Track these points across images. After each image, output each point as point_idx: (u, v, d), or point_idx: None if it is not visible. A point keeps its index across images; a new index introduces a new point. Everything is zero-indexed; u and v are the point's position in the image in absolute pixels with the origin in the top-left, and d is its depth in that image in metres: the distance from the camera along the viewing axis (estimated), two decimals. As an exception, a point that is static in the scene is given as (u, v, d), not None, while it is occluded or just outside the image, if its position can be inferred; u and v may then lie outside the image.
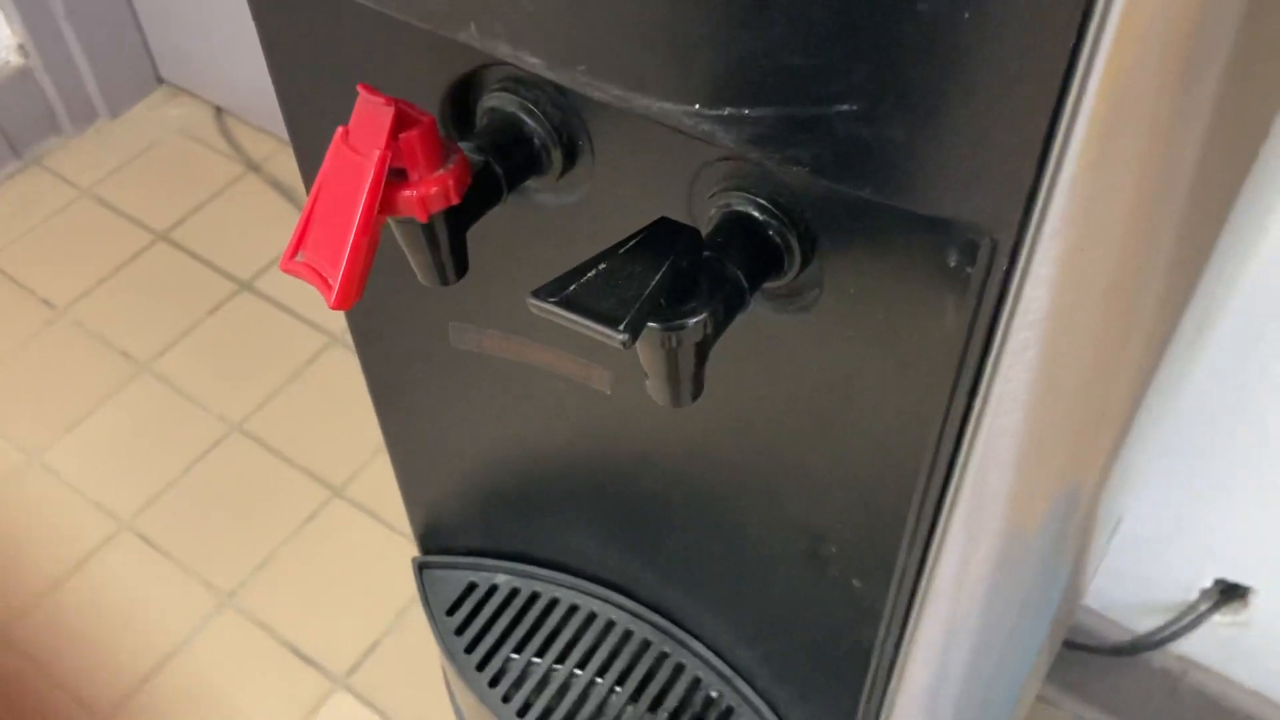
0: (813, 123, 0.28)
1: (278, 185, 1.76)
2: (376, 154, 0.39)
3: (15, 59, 1.76)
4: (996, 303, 0.35)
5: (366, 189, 0.39)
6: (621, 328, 0.33)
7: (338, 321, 1.55)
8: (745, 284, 0.41)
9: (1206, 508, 0.99)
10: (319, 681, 1.25)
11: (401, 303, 0.51)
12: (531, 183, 0.46)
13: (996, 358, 0.37)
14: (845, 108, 0.27)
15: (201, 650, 1.28)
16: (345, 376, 1.53)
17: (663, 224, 0.38)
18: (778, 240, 0.41)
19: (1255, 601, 1.02)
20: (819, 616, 0.56)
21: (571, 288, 0.35)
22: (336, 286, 0.40)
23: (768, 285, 0.43)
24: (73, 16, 1.73)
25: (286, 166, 1.80)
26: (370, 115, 0.39)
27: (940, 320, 0.35)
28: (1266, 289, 0.80)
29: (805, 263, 0.42)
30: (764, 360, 0.45)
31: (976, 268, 0.32)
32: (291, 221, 1.70)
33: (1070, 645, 1.13)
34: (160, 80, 1.92)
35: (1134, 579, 1.10)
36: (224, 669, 1.26)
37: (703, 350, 0.39)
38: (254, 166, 1.80)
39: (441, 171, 0.41)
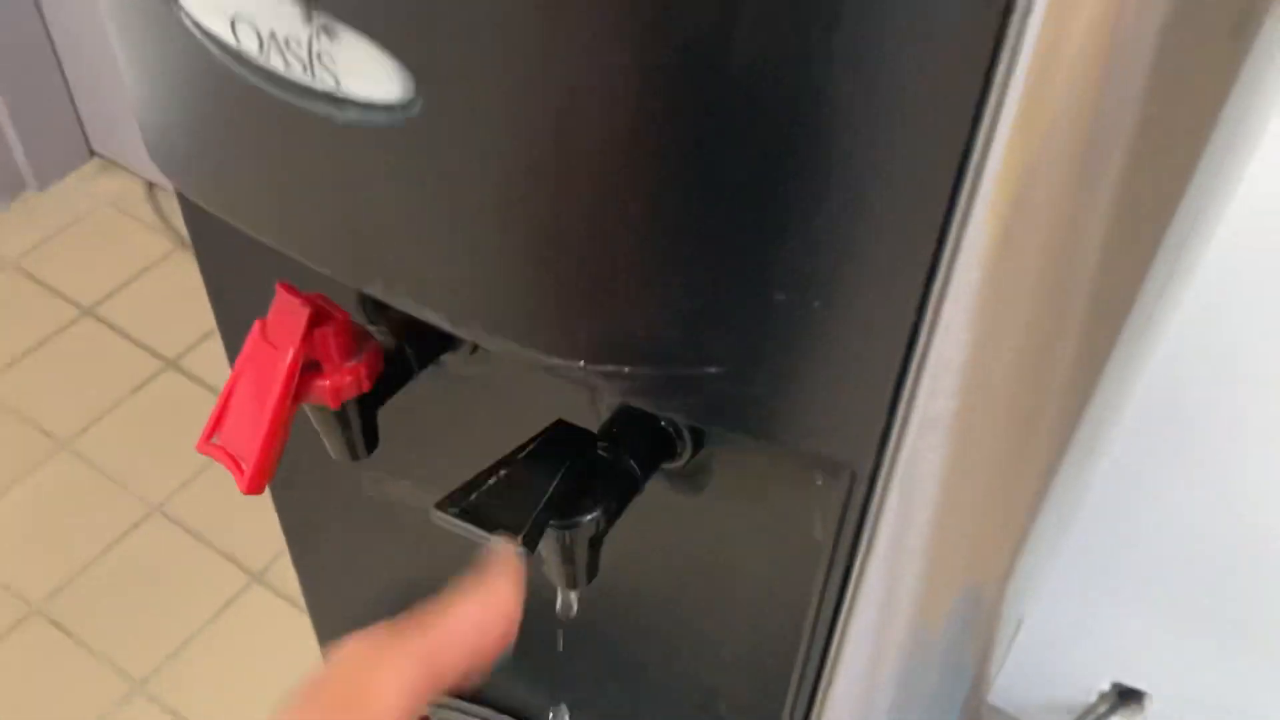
0: (685, 381, 0.31)
1: (208, 262, 1.76)
2: (291, 352, 0.41)
3: (-56, 129, 1.75)
4: (861, 512, 0.38)
5: (279, 386, 0.41)
6: (520, 540, 0.36)
7: (263, 404, 1.55)
8: (638, 473, 0.43)
9: (1103, 612, 1.03)
10: (230, 775, 1.24)
11: (316, 452, 0.53)
12: (445, 356, 0.49)
13: (864, 558, 0.40)
14: (713, 370, 0.30)
15: (110, 740, 1.26)
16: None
17: (559, 427, 0.40)
18: (670, 429, 0.44)
19: (1150, 706, 1.05)
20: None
21: (473, 496, 0.37)
22: (248, 474, 0.42)
23: (665, 465, 0.46)
24: (4, 87, 1.73)
25: (217, 243, 1.79)
26: (287, 312, 0.41)
27: (810, 529, 0.38)
28: (1157, 401, 0.84)
29: (697, 448, 0.45)
30: (658, 531, 0.48)
31: (838, 489, 0.35)
32: (220, 300, 1.69)
33: (976, 748, 1.16)
34: (92, 153, 1.92)
35: (1038, 679, 1.13)
36: None
37: (596, 542, 0.42)
38: (184, 243, 1.80)
39: (354, 362, 0.43)
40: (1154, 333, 0.53)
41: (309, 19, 0.27)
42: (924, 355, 0.33)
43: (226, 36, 0.29)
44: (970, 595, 0.56)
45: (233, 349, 0.47)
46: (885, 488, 0.36)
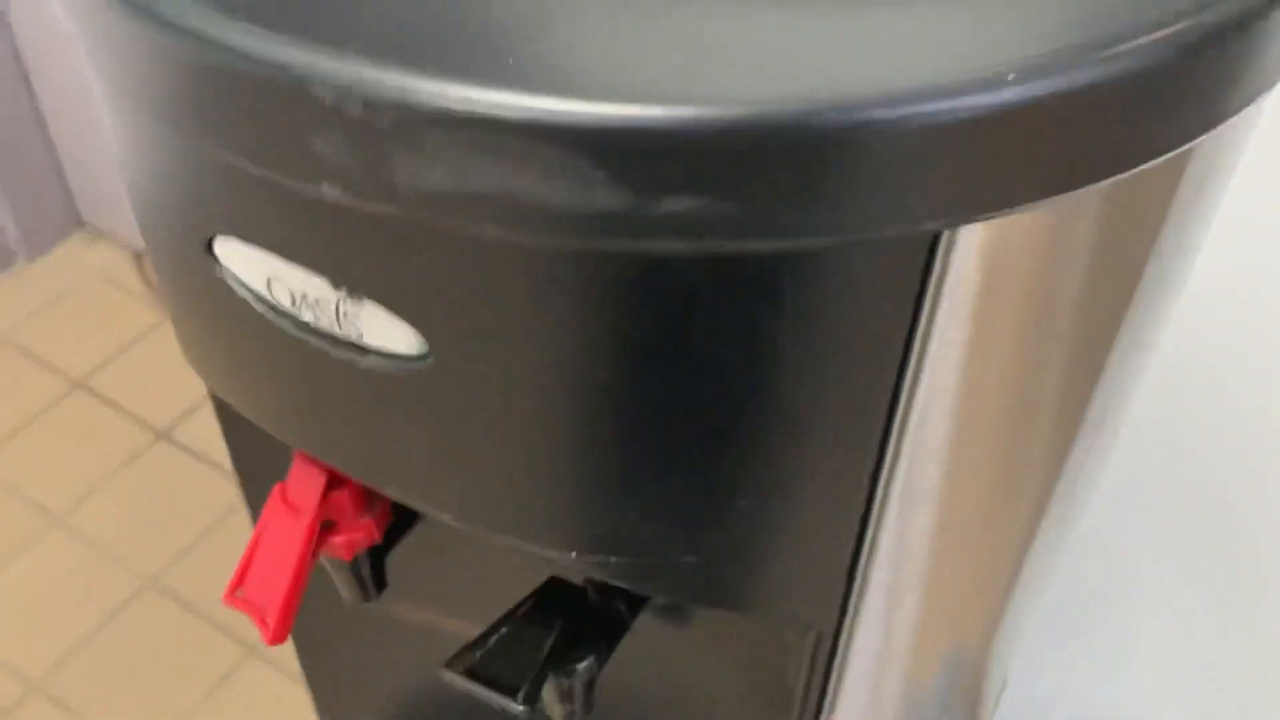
0: (661, 568, 0.36)
1: (196, 333, 1.78)
2: (310, 515, 0.45)
3: (-65, 205, 1.78)
4: (828, 661, 0.42)
5: (299, 546, 0.45)
6: (520, 698, 0.40)
7: (254, 474, 1.58)
8: (627, 613, 0.48)
9: (1084, 676, 1.07)
10: (231, 847, 1.26)
11: (323, 575, 0.58)
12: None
13: (834, 696, 0.45)
14: (686, 559, 0.35)
15: (111, 817, 1.29)
16: (261, 531, 1.55)
17: (552, 583, 0.45)
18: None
19: None
20: None
21: (477, 655, 0.42)
22: (273, 627, 0.46)
23: (651, 605, 0.51)
24: (-5, 164, 1.76)
25: (205, 313, 1.82)
26: (305, 478, 0.46)
27: (783, 672, 0.43)
28: (1133, 469, 0.88)
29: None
30: (646, 663, 0.53)
31: (805, 645, 0.40)
32: (210, 372, 1.72)
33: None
34: (81, 223, 1.95)
35: None
36: None
37: (591, 684, 0.46)
38: (173, 313, 1.82)
39: (366, 518, 0.48)
40: (1116, 414, 0.56)
41: (337, 288, 0.32)
42: (875, 537, 0.38)
43: (263, 292, 0.34)
44: (948, 681, 0.60)
45: (253, 504, 0.52)
46: (850, 641, 0.41)
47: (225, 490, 1.57)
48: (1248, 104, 0.31)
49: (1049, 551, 0.52)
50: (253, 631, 1.45)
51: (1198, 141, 0.31)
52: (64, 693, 1.38)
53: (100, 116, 0.36)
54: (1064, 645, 1.04)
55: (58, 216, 1.89)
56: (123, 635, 1.44)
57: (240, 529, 1.54)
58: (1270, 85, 0.32)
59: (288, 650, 1.41)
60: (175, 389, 1.69)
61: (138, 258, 1.90)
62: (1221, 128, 0.31)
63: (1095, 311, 0.37)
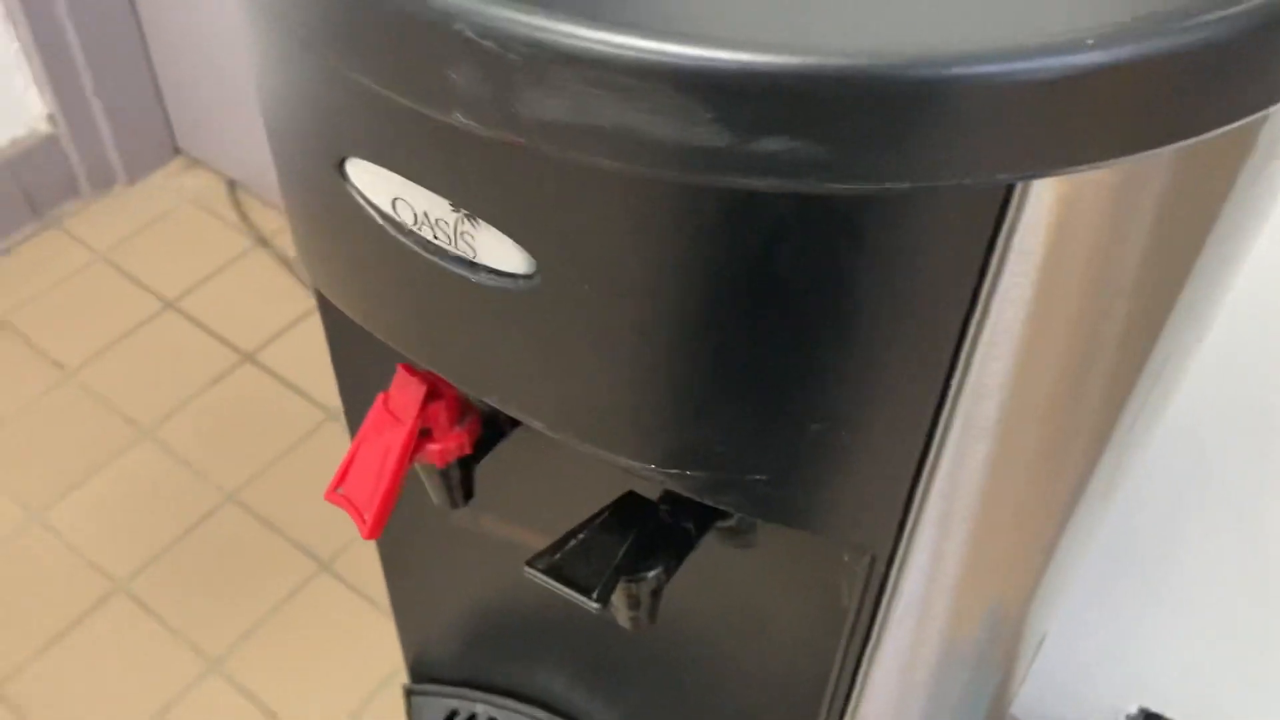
0: (734, 483, 0.39)
1: (284, 260, 1.83)
2: (410, 423, 0.49)
3: (44, 127, 1.85)
4: (881, 585, 0.45)
5: (398, 451, 0.49)
6: (595, 596, 0.44)
7: (335, 398, 1.63)
8: (694, 532, 0.51)
9: (1131, 636, 1.08)
10: (297, 751, 1.32)
11: (413, 489, 0.62)
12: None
13: (885, 616, 0.48)
14: (757, 477, 0.38)
15: (187, 713, 1.35)
16: (339, 453, 1.59)
17: (629, 497, 0.49)
18: (723, 497, 0.52)
19: None
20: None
21: (556, 557, 0.45)
22: (370, 523, 0.50)
23: (718, 525, 0.54)
24: (100, 90, 1.82)
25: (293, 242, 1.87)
26: (406, 389, 0.50)
27: (838, 593, 0.46)
28: (1183, 436, 0.89)
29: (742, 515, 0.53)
30: (710, 580, 0.56)
31: (861, 567, 0.43)
32: (297, 297, 1.78)
33: (1006, 759, 1.21)
34: (177, 150, 2.01)
35: (1066, 698, 1.18)
36: None
37: (658, 593, 0.50)
38: (263, 241, 1.87)
39: (459, 429, 0.51)
40: (1172, 374, 0.57)
41: (456, 209, 0.35)
42: (933, 469, 0.41)
43: (388, 210, 0.37)
44: (992, 619, 0.62)
45: (352, 413, 0.56)
46: (903, 567, 0.44)
47: (305, 414, 1.63)
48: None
49: (1096, 505, 0.54)
50: (325, 548, 1.51)
51: (1267, 112, 0.33)
52: (145, 594, 1.45)
53: (202, 47, 0.40)
54: (1108, 606, 1.06)
55: (156, 143, 1.96)
56: (202, 545, 1.50)
57: (317, 451, 1.60)
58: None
59: (356, 567, 1.47)
60: (261, 315, 1.74)
61: (230, 185, 1.95)
62: (1289, 100, 0.33)
63: (1158, 271, 0.40)
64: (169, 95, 1.92)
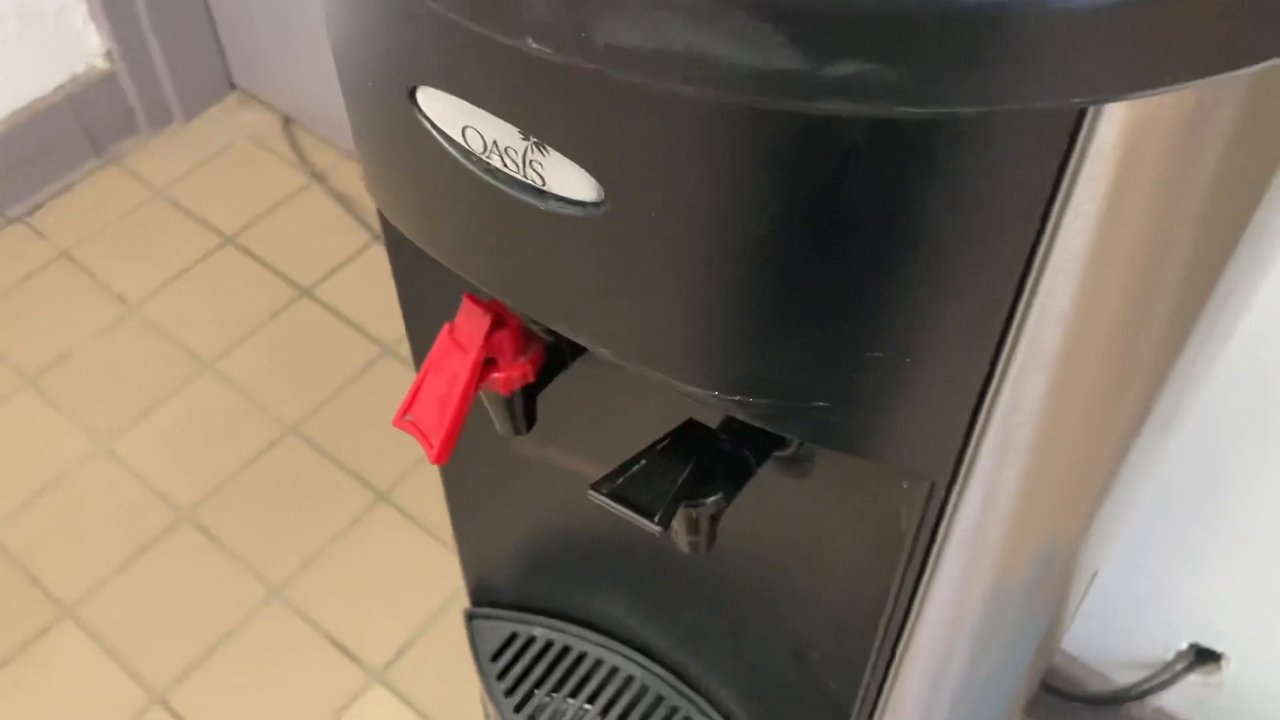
0: (797, 410, 0.39)
1: (340, 196, 1.85)
2: (475, 352, 0.50)
3: (102, 64, 1.87)
4: (939, 513, 0.46)
5: (465, 378, 0.50)
6: (657, 519, 0.45)
7: (391, 332, 1.66)
8: (753, 460, 0.52)
9: (1184, 574, 1.07)
10: (356, 674, 1.36)
11: (476, 418, 0.63)
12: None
13: (941, 546, 0.49)
14: (820, 404, 0.39)
15: (250, 637, 1.39)
16: (395, 386, 1.62)
17: (689, 425, 0.49)
18: (783, 425, 0.53)
19: (1227, 667, 1.08)
20: (804, 691, 0.67)
21: (619, 481, 0.46)
22: (437, 448, 0.51)
23: (776, 454, 0.55)
24: (157, 26, 1.84)
25: (348, 178, 1.89)
26: (472, 318, 0.51)
27: (896, 520, 0.47)
28: (1242, 378, 0.88)
29: (803, 442, 0.54)
30: (768, 509, 0.57)
31: (919, 494, 0.44)
32: (351, 233, 1.80)
33: (1055, 693, 1.23)
34: (233, 86, 2.02)
35: (1118, 634, 1.18)
36: (269, 657, 1.35)
37: (716, 518, 0.51)
38: (318, 176, 1.89)
39: (523, 359, 0.52)
40: (1235, 309, 0.56)
41: (526, 137, 0.36)
42: (994, 399, 0.41)
43: (458, 138, 0.38)
44: (1046, 552, 0.63)
45: (416, 342, 0.57)
46: (961, 495, 0.44)
47: (361, 347, 1.65)
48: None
49: (1154, 440, 0.54)
50: (383, 479, 1.54)
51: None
52: (209, 523, 1.49)
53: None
54: (1162, 542, 1.05)
55: (212, 79, 1.97)
56: (264, 475, 1.54)
57: (375, 385, 1.62)
58: None
59: (413, 497, 1.50)
60: (317, 250, 1.76)
61: (286, 122, 1.97)
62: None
63: (1226, 200, 0.39)
64: (224, 31, 1.93)
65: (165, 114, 1.95)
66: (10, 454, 1.56)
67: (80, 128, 1.85)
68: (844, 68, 0.28)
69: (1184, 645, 1.11)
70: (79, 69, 1.84)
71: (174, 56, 1.90)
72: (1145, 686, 1.15)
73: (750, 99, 0.31)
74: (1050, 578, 0.64)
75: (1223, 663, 1.09)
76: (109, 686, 1.35)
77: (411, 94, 0.39)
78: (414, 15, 0.36)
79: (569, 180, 0.37)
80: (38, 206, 1.84)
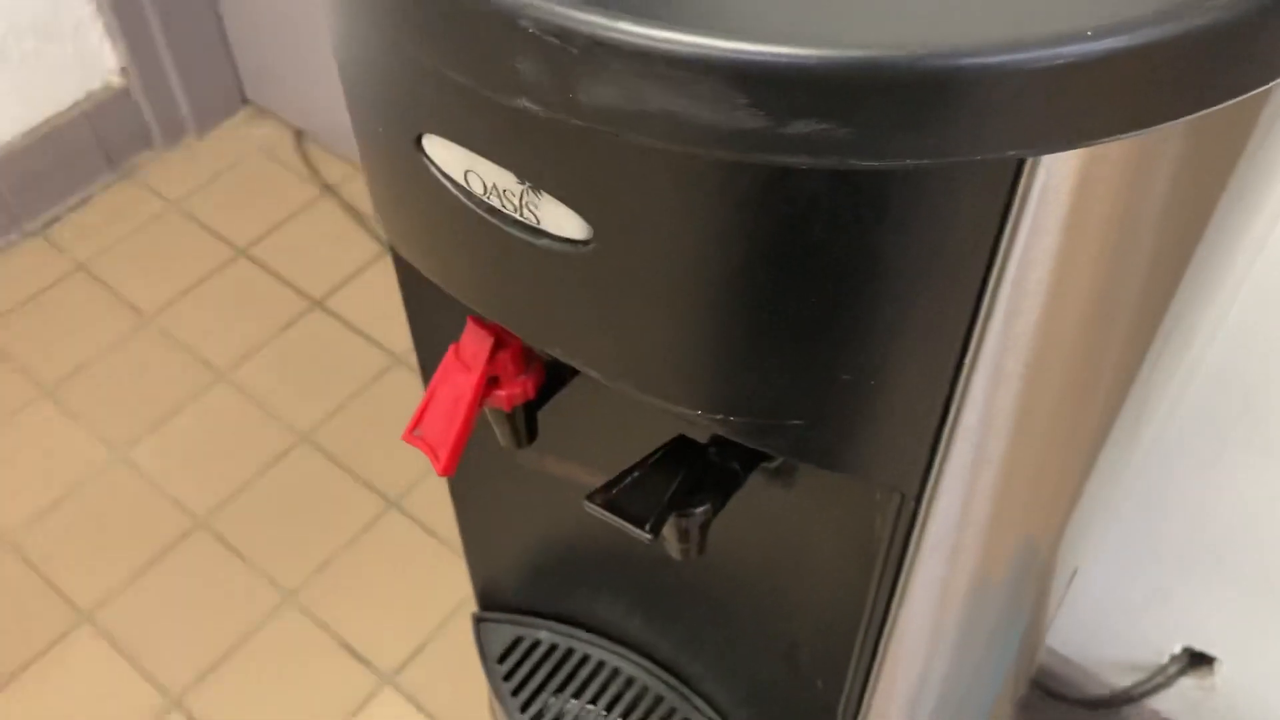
0: (774, 428, 0.43)
1: (350, 209, 1.88)
2: (479, 371, 0.54)
3: (117, 80, 1.90)
4: (910, 521, 0.49)
5: (469, 396, 0.54)
6: (647, 528, 0.49)
7: (401, 343, 1.68)
8: (741, 471, 0.56)
9: (1177, 579, 1.08)
10: (368, 677, 1.38)
11: (481, 433, 0.66)
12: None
13: (915, 551, 0.52)
14: (795, 421, 0.43)
15: (264, 642, 1.41)
16: (406, 395, 1.64)
17: (680, 440, 0.53)
18: (768, 440, 0.56)
19: (1220, 670, 1.09)
20: (795, 691, 0.71)
21: (613, 492, 0.50)
22: (444, 461, 0.55)
23: (763, 465, 0.58)
24: (171, 43, 1.87)
25: (359, 191, 1.91)
26: (476, 339, 0.54)
27: (871, 528, 0.50)
28: (1222, 380, 0.90)
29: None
30: (755, 518, 0.60)
31: (890, 507, 0.47)
32: (362, 244, 1.82)
33: (1051, 695, 1.25)
34: (245, 101, 2.05)
35: (1112, 638, 1.19)
36: (284, 661, 1.38)
37: (706, 526, 0.54)
38: (329, 189, 1.92)
39: (524, 377, 0.56)
40: (1193, 324, 0.58)
41: (521, 181, 0.40)
42: (957, 417, 0.44)
43: (461, 181, 0.42)
44: (1020, 554, 0.66)
45: (425, 361, 0.60)
46: (931, 505, 0.48)
47: (372, 358, 1.68)
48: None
49: (1121, 446, 0.57)
50: (394, 487, 1.57)
51: (1265, 88, 0.36)
52: (224, 530, 1.52)
53: (268, 3, 0.43)
54: (1153, 547, 1.07)
55: (225, 94, 2.00)
56: (277, 483, 1.56)
57: (385, 394, 1.65)
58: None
59: (423, 505, 1.53)
60: (328, 262, 1.79)
61: (297, 135, 2.00)
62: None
63: (1170, 232, 0.43)
64: (236, 47, 1.96)
65: (179, 129, 1.98)
66: (29, 463, 1.59)
67: (96, 143, 1.89)
68: (801, 127, 0.32)
69: (1177, 649, 1.12)
70: (95, 85, 1.88)
71: (187, 72, 1.93)
72: (1139, 689, 1.17)
73: (720, 153, 0.34)
74: (1027, 578, 0.67)
75: (1215, 666, 1.10)
76: (126, 690, 1.38)
77: (418, 141, 0.43)
78: (420, 73, 0.39)
79: (561, 220, 0.40)
80: (55, 220, 1.88)
